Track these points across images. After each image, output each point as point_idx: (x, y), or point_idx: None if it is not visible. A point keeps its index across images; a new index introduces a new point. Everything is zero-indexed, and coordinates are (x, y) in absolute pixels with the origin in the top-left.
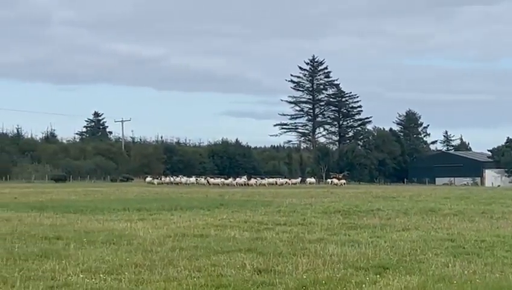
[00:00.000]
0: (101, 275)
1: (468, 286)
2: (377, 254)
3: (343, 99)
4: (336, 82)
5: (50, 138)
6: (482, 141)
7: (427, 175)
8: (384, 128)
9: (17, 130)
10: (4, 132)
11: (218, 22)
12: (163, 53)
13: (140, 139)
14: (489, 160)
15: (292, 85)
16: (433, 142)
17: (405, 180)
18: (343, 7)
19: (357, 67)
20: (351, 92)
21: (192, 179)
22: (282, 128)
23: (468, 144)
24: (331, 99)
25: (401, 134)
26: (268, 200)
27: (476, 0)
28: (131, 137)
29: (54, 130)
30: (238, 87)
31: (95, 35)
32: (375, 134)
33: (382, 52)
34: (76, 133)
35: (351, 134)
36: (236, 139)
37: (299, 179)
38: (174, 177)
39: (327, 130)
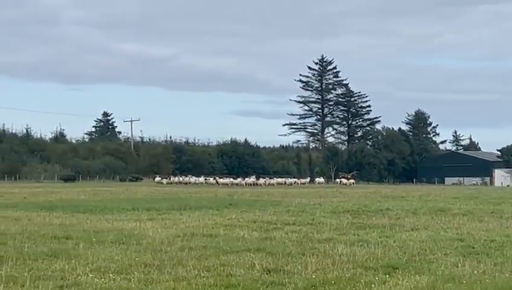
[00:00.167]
0: (111, 275)
1: (478, 285)
2: (386, 253)
3: (352, 99)
4: (344, 82)
5: (59, 137)
6: (491, 141)
7: (436, 175)
8: (393, 128)
9: (27, 130)
10: (13, 131)
11: (227, 21)
12: (172, 53)
13: (149, 139)
14: (499, 160)
15: (301, 85)
16: (442, 142)
17: (414, 180)
18: (352, 7)
19: (366, 67)
20: (360, 92)
21: (201, 179)
22: (291, 128)
23: (478, 143)
24: (340, 99)
25: (410, 134)
26: (277, 200)
27: (484, 0)
28: (140, 137)
29: (63, 130)
30: (247, 86)
31: (104, 35)
32: (384, 134)
33: (391, 52)
34: (86, 133)
35: (360, 134)
36: (245, 139)
37: (308, 179)
38: (183, 177)
39: (336, 129)
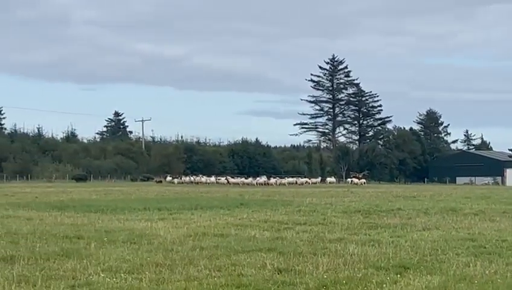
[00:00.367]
0: (122, 275)
1: (490, 286)
2: (398, 253)
3: (363, 98)
4: (356, 81)
5: (71, 137)
6: (502, 140)
7: (448, 174)
8: (404, 128)
9: (38, 130)
10: (25, 131)
11: (239, 21)
12: (184, 53)
13: (161, 139)
14: (510, 159)
15: (312, 84)
16: (453, 142)
17: (425, 179)
18: (364, 6)
19: (377, 67)
20: (371, 92)
21: (212, 179)
22: (302, 127)
23: (489, 143)
24: (351, 99)
25: (422, 133)
26: (288, 199)
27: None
28: (151, 137)
29: (75, 129)
30: (258, 86)
31: (116, 35)
32: (396, 133)
33: (403, 52)
34: (97, 133)
35: (371, 133)
36: (256, 139)
37: (319, 179)
38: (194, 176)
39: (347, 129)
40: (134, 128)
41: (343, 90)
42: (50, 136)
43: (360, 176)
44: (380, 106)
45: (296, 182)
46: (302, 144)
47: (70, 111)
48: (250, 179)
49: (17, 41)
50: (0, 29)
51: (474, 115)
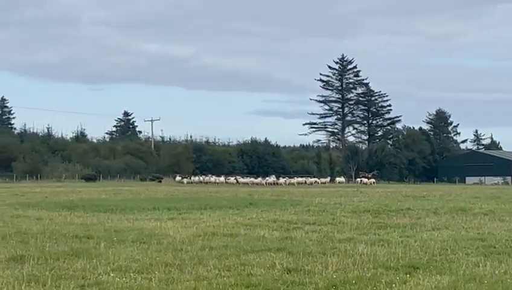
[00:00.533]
0: (132, 274)
1: (499, 285)
2: (407, 253)
3: (373, 98)
4: (365, 81)
5: (80, 137)
6: None
7: (457, 174)
8: (414, 128)
9: (48, 130)
10: (35, 131)
11: (248, 21)
12: (193, 52)
13: (170, 139)
14: None
15: (321, 84)
16: (463, 141)
17: (435, 179)
18: (372, 6)
19: (387, 66)
20: (380, 91)
21: (222, 179)
22: (312, 127)
23: (499, 143)
24: (360, 98)
25: (431, 133)
26: (297, 199)
27: None
28: (160, 136)
29: (84, 129)
30: (267, 86)
31: (125, 35)
32: (405, 133)
33: (412, 51)
34: (106, 133)
35: (380, 133)
36: (266, 139)
37: (328, 179)
38: (204, 176)
39: (356, 129)
40: (143, 128)
41: (353, 90)
42: (59, 136)
43: (369, 175)
44: (390, 105)
45: (305, 182)
46: (311, 144)
47: (80, 111)
48: (259, 179)
49: (26, 42)
50: (9, 29)
51: (484, 115)
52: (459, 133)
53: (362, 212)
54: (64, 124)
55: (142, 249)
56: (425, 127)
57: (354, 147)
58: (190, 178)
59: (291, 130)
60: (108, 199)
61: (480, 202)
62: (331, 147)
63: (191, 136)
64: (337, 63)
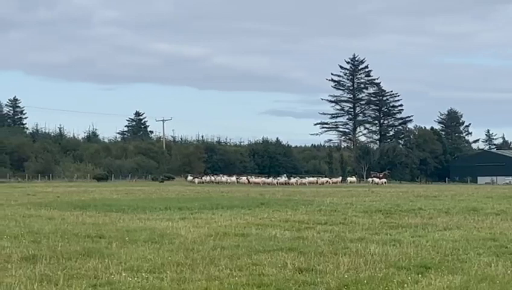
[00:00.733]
0: (144, 274)
1: (511, 286)
2: (419, 253)
3: (384, 98)
4: (376, 81)
5: (92, 137)
6: None
7: (469, 174)
8: (425, 127)
9: (60, 130)
10: (47, 131)
11: (260, 21)
12: (205, 52)
13: (181, 139)
14: None
15: (333, 84)
16: (474, 141)
17: (446, 179)
18: (383, 6)
19: (398, 66)
20: (391, 91)
21: (233, 178)
22: (323, 127)
23: (511, 142)
24: (371, 98)
25: (443, 133)
26: (309, 199)
27: None
28: (172, 136)
29: (96, 129)
30: (278, 86)
31: (136, 35)
32: (417, 133)
33: (424, 51)
34: (118, 133)
35: (391, 133)
36: (277, 138)
37: (339, 178)
38: (215, 176)
39: (368, 129)
40: (155, 128)
41: (364, 90)
42: (71, 136)
43: (380, 175)
44: (401, 105)
45: (317, 182)
46: (322, 144)
47: (91, 111)
48: (270, 179)
49: (38, 42)
50: (22, 29)
51: (496, 115)
52: (470, 133)
53: (374, 212)
54: (76, 124)
55: (153, 248)
56: (437, 126)
57: (366, 147)
58: (201, 178)
59: (302, 130)
60: (120, 199)
61: (492, 202)
62: (343, 146)
63: (202, 136)
64: (348, 62)
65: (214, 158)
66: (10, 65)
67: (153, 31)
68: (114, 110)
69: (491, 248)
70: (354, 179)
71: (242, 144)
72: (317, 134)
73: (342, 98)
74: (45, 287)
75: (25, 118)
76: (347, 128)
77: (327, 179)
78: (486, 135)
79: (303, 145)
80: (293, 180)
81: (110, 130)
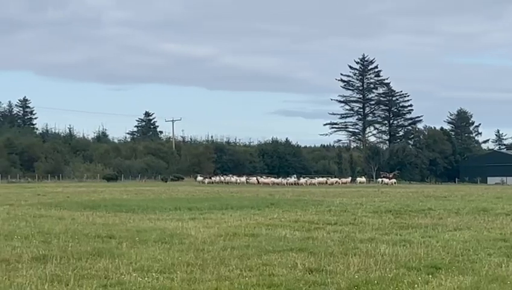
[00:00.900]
0: (154, 274)
1: None
2: (429, 253)
3: (394, 98)
4: (386, 81)
5: (102, 137)
6: None
7: (479, 174)
8: (435, 128)
9: (69, 130)
10: (56, 131)
11: (269, 21)
12: (214, 53)
13: (191, 139)
14: None
15: (342, 84)
16: (484, 141)
17: (456, 179)
18: (393, 6)
19: (408, 66)
20: (401, 91)
21: (243, 179)
22: (332, 127)
23: None
24: (381, 99)
25: (453, 133)
26: (318, 199)
27: None
28: (181, 136)
29: (106, 129)
30: (288, 86)
31: (146, 35)
32: (426, 133)
33: (433, 51)
34: (128, 133)
35: (401, 133)
36: (286, 139)
37: (349, 179)
38: (225, 176)
39: (377, 129)
40: (164, 128)
41: (374, 90)
42: (81, 136)
43: (390, 176)
44: (411, 105)
45: (326, 182)
46: (332, 144)
47: (101, 111)
48: (280, 179)
49: (48, 42)
50: (31, 30)
51: (506, 115)
52: (480, 133)
53: (383, 212)
54: (86, 124)
55: (164, 249)
56: (447, 127)
57: (375, 147)
58: (211, 178)
59: (312, 130)
60: (130, 199)
61: (502, 203)
62: (352, 147)
63: (211, 136)
64: (358, 63)
65: (223, 158)
66: (20, 65)
67: (163, 31)
68: (124, 110)
69: (501, 249)
70: (363, 179)
71: (251, 144)
72: (326, 134)
73: (352, 98)
74: (56, 287)
75: (35, 118)
76: (356, 129)
77: (337, 179)
78: (496, 135)
79: (312, 146)
80: (302, 180)
81: (120, 130)
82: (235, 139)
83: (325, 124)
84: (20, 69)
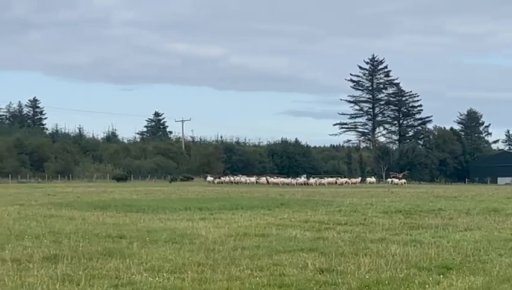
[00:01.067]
0: (165, 274)
1: None
2: (440, 254)
3: (403, 98)
4: (395, 81)
5: (111, 137)
6: None
7: (489, 175)
8: (445, 128)
9: (79, 130)
10: (66, 131)
11: (277, 21)
12: (223, 53)
13: (200, 139)
14: None
15: (352, 84)
16: (494, 142)
17: (466, 180)
18: (402, 6)
19: (418, 66)
20: (411, 91)
21: (252, 179)
22: (342, 127)
23: None
24: (391, 99)
25: (462, 133)
26: (328, 199)
27: None
28: (191, 137)
29: (115, 129)
30: (297, 86)
31: (155, 35)
32: (436, 133)
33: (443, 51)
34: (137, 133)
35: (411, 133)
36: (296, 139)
37: (359, 179)
38: (234, 176)
39: (387, 129)
40: (174, 129)
41: (383, 90)
42: (91, 136)
43: (400, 176)
44: (420, 105)
45: (336, 182)
46: (341, 144)
47: (111, 111)
48: (289, 179)
49: (57, 42)
50: (41, 30)
51: None
52: (490, 134)
53: (394, 212)
54: (96, 125)
55: (174, 249)
56: (457, 127)
57: (385, 147)
58: (220, 178)
59: (321, 130)
60: (140, 199)
61: None
62: (362, 147)
63: (221, 137)
64: (367, 63)
65: (233, 158)
66: (30, 66)
67: (171, 32)
68: (133, 110)
69: None
70: (373, 179)
71: (261, 144)
72: (336, 134)
73: (361, 99)
74: (67, 287)
75: (45, 118)
76: (366, 129)
77: (346, 179)
78: (506, 135)
79: (322, 146)
80: (312, 180)
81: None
82: (245, 139)
83: (334, 124)
84: (30, 70)
